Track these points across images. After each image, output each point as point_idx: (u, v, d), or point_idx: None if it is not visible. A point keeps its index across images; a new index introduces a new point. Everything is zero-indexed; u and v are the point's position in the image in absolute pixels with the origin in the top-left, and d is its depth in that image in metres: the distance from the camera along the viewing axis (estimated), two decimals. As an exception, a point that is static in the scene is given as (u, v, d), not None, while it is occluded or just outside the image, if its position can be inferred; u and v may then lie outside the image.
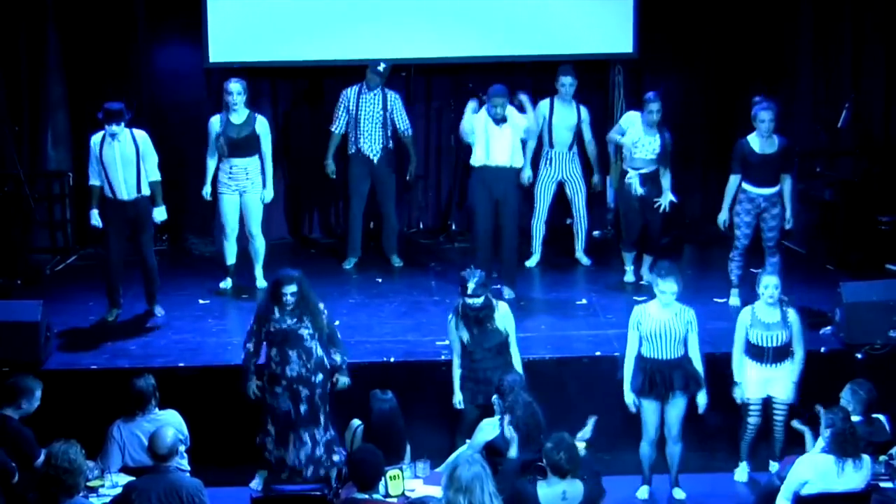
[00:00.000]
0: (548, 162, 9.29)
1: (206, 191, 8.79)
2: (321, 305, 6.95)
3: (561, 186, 9.40)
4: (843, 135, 9.72)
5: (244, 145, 8.58)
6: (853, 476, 6.16)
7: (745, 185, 8.23)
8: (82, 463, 5.60)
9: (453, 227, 10.22)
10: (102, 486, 6.30)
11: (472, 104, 8.48)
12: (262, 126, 8.66)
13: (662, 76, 10.02)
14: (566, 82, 9.14)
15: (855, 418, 6.48)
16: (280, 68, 10.04)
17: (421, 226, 10.46)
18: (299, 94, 10.28)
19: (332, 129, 9.31)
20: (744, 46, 10.15)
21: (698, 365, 7.04)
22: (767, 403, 7.26)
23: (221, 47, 9.73)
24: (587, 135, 9.33)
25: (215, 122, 8.61)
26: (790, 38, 10.10)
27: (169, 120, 9.95)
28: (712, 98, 10.34)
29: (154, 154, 8.09)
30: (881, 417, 6.80)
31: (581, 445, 6.39)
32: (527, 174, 9.08)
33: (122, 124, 7.92)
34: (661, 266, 7.20)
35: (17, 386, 6.43)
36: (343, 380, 6.99)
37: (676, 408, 7.05)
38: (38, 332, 7.45)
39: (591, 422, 6.68)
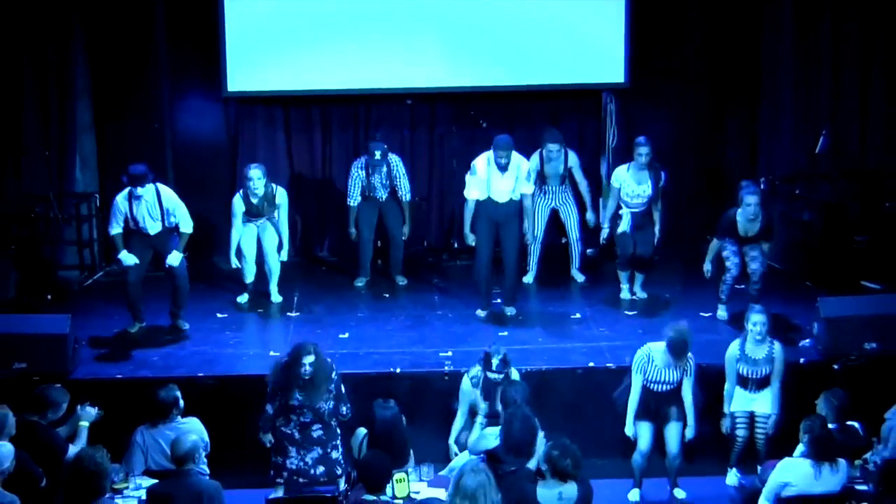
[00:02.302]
0: (543, 193, 9.40)
1: (233, 261, 8.90)
2: (333, 373, 6.91)
3: (555, 212, 9.55)
4: (822, 159, 9.86)
5: (265, 212, 8.85)
6: (830, 479, 6.37)
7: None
8: (108, 466, 5.73)
9: (455, 246, 10.29)
10: (127, 487, 6.46)
11: None
12: (282, 197, 8.86)
13: (653, 104, 10.18)
14: (553, 149, 9.20)
15: (830, 426, 6.67)
16: (294, 96, 10.18)
17: (425, 244, 10.57)
18: (311, 121, 10.40)
19: (350, 203, 9.41)
20: (728, 74, 10.30)
21: (689, 407, 7.17)
22: (752, 417, 7.39)
23: (239, 77, 9.93)
24: (578, 176, 9.47)
25: (238, 203, 8.76)
26: (772, 67, 10.21)
27: (189, 145, 10.08)
28: (702, 122, 10.44)
29: (181, 205, 8.20)
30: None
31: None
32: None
33: (147, 185, 8.05)
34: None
35: (44, 398, 6.56)
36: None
37: (674, 430, 7.22)
38: (66, 343, 7.61)
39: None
